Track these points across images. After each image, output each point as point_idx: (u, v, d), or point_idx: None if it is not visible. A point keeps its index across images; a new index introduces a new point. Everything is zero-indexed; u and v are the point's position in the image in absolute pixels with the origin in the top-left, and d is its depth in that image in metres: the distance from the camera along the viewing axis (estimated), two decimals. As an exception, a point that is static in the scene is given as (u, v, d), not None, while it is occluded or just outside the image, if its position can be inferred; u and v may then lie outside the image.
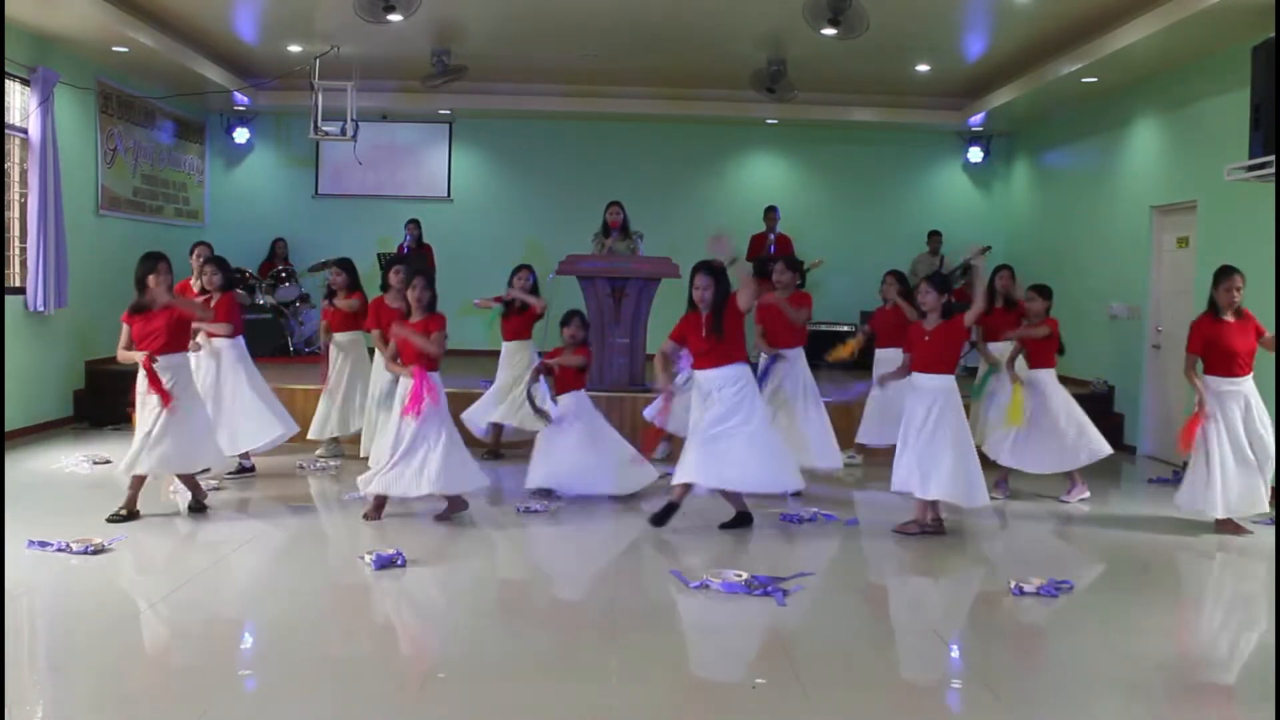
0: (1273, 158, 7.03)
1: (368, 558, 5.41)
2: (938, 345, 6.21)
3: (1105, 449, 7.29)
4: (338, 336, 8.10)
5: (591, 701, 3.94)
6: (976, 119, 12.09)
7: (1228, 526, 6.52)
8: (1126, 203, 10.07)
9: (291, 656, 4.29)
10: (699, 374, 6.21)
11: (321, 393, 8.14)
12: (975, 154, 13.09)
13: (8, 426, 7.52)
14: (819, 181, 13.19)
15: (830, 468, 7.46)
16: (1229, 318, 6.45)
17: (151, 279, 6.16)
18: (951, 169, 13.30)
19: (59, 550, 5.48)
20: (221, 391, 7.16)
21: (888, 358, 7.79)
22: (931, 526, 6.30)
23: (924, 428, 6.17)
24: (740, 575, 5.21)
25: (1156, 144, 9.58)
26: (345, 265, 8.16)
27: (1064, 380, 10.76)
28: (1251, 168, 7.31)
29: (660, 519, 6.21)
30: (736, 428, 6.04)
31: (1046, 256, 11.76)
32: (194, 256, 7.84)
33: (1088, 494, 7.44)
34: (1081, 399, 10.05)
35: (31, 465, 7.62)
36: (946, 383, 6.21)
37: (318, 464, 7.91)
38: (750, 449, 6.06)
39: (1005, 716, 3.84)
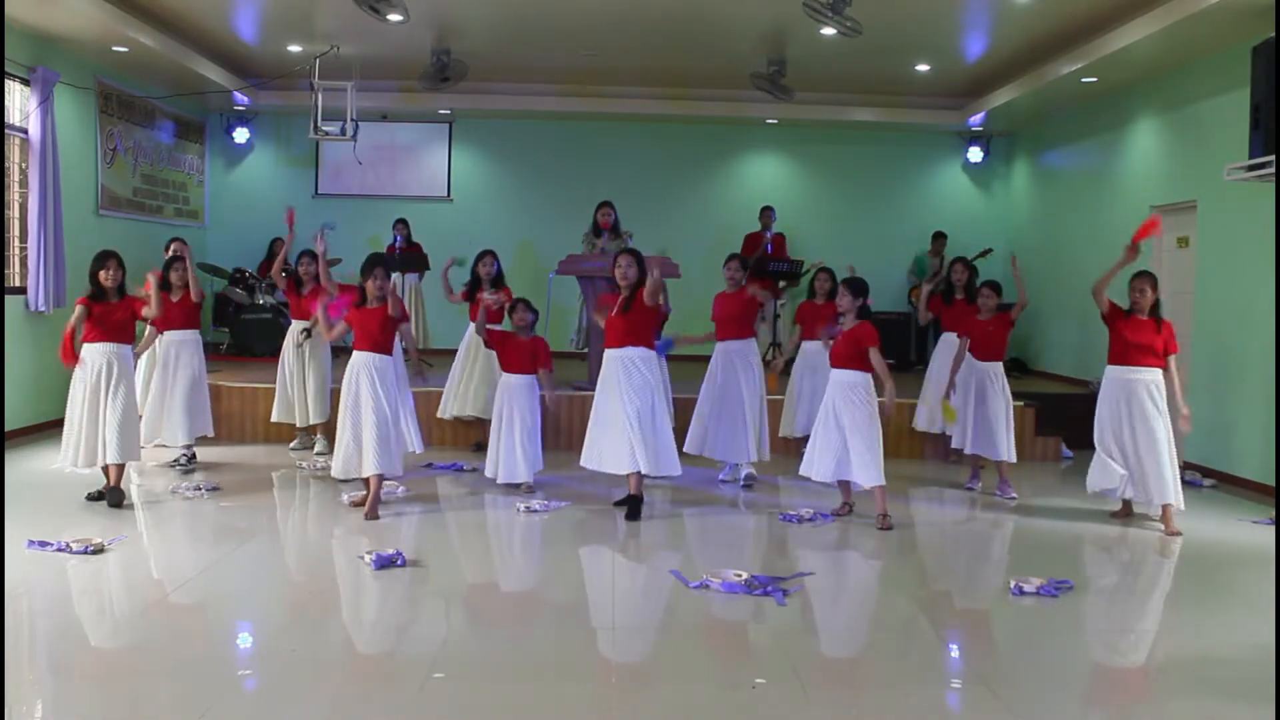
0: (1272, 158, 7.04)
1: (368, 558, 5.41)
2: (850, 345, 6.48)
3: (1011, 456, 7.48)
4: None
5: (590, 702, 3.94)
6: (976, 119, 12.09)
7: (1123, 512, 6.87)
8: (1126, 203, 10.07)
9: (291, 656, 4.29)
10: (608, 353, 6.58)
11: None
12: (975, 154, 13.10)
13: (8, 426, 7.52)
14: (819, 181, 13.20)
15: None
16: (1139, 315, 6.63)
17: (102, 274, 6.42)
18: (951, 169, 13.31)
19: (59, 550, 5.48)
20: (176, 380, 7.50)
21: (812, 349, 8.11)
22: (846, 510, 6.74)
23: (835, 419, 6.46)
24: (740, 575, 5.22)
25: (1156, 144, 9.58)
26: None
27: (1063, 380, 10.85)
28: (1251, 168, 7.31)
29: (634, 514, 6.50)
30: (655, 413, 6.51)
31: (1046, 256, 11.77)
32: (170, 250, 7.96)
33: (979, 486, 7.66)
34: (1081, 399, 10.14)
35: (31, 465, 7.62)
36: (858, 378, 6.44)
37: (320, 464, 7.91)
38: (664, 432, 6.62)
39: (1005, 716, 3.84)
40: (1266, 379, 7.66)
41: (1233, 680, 4.27)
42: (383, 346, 6.50)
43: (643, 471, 6.46)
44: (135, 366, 7.08)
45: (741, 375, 7.32)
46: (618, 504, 6.69)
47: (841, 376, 6.50)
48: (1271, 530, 6.72)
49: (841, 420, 6.43)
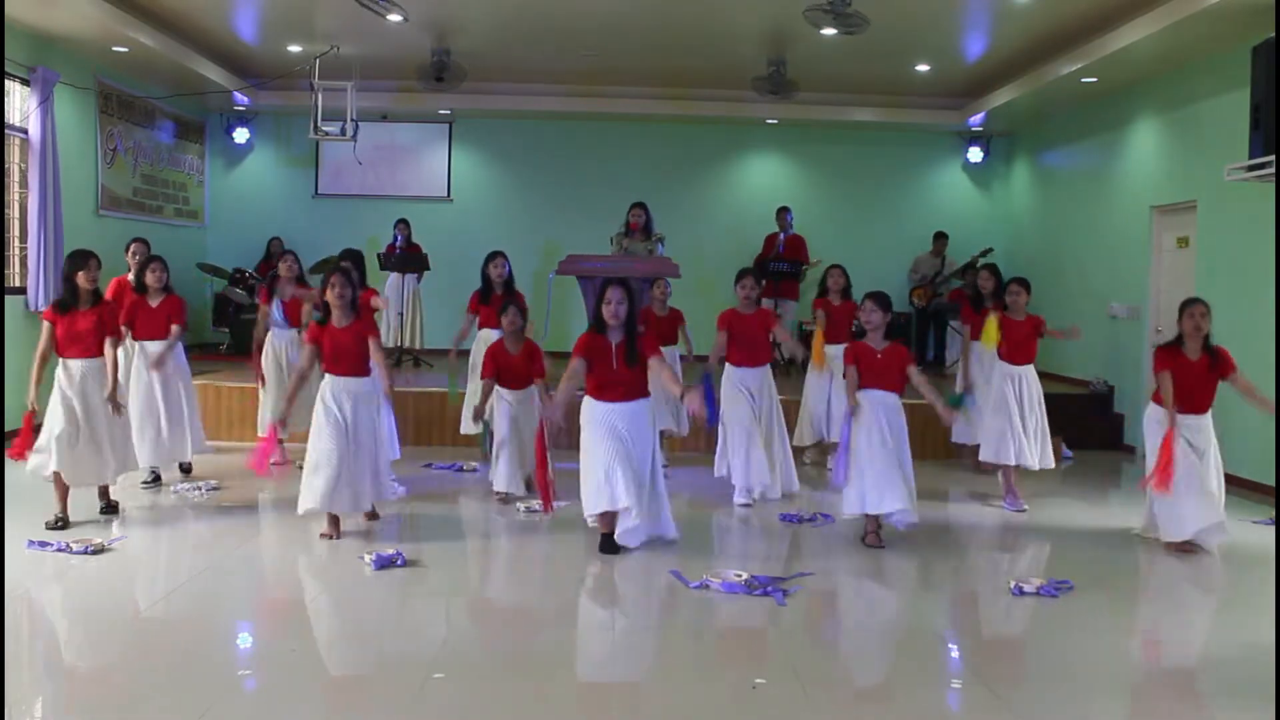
0: (1272, 158, 7.05)
1: (368, 558, 5.41)
2: (888, 365, 6.09)
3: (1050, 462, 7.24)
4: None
5: (590, 702, 3.94)
6: (976, 119, 12.10)
7: (1176, 545, 6.21)
8: (1126, 203, 10.07)
9: (291, 656, 4.29)
10: (603, 405, 5.71)
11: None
12: (975, 154, 13.10)
13: (8, 426, 7.51)
14: (819, 182, 13.20)
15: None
16: (1192, 354, 6.13)
17: (81, 275, 5.95)
18: (951, 169, 13.31)
19: (59, 550, 5.49)
20: (169, 396, 6.94)
21: (826, 353, 7.87)
22: (875, 539, 6.17)
23: (878, 444, 5.98)
24: (740, 575, 5.22)
25: (1156, 144, 9.58)
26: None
27: (1064, 380, 10.85)
28: (1251, 168, 7.32)
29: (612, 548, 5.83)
30: (655, 467, 5.85)
31: (1046, 256, 11.77)
32: (130, 254, 7.54)
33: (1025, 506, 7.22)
34: (1081, 399, 10.15)
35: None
36: (899, 400, 6.13)
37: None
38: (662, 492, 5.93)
39: (1005, 716, 3.84)
40: (1266, 379, 7.65)
41: (1233, 680, 4.27)
42: (362, 368, 5.90)
43: (640, 527, 5.75)
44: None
45: (770, 403, 6.94)
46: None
47: (888, 399, 6.07)
48: (1271, 530, 6.72)
49: (889, 445, 5.98)
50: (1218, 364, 6.13)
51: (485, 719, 3.74)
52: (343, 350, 5.86)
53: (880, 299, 6.20)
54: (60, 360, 6.07)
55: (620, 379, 5.70)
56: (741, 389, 6.93)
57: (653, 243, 9.23)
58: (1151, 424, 6.28)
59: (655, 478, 5.84)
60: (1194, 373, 6.12)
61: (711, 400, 6.78)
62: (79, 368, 6.01)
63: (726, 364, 7.02)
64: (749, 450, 6.85)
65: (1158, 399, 6.26)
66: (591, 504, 5.76)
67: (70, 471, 5.98)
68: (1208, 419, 6.23)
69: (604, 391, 5.74)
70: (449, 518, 6.74)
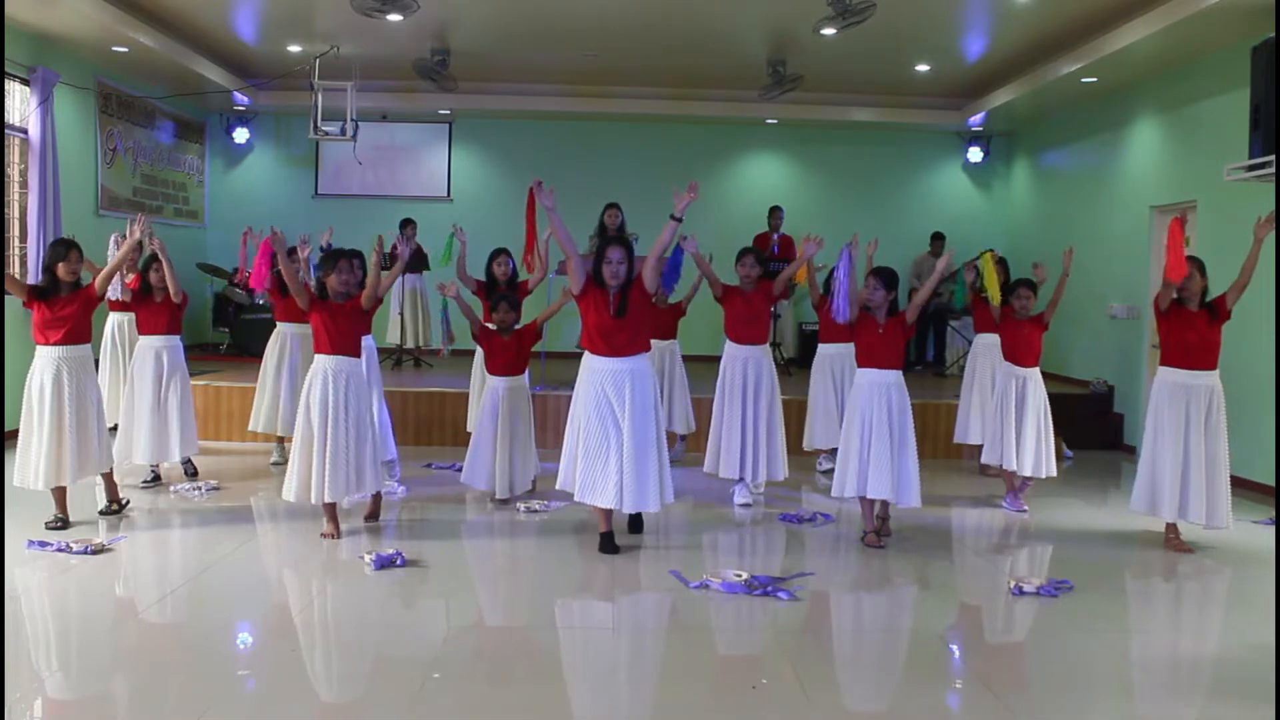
0: (1272, 158, 7.05)
1: (367, 558, 5.42)
2: (890, 339, 6.01)
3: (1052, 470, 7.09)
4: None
5: (590, 702, 3.94)
6: (976, 119, 12.11)
7: (1173, 543, 6.25)
8: (1126, 203, 10.08)
9: (291, 656, 4.29)
10: (598, 361, 5.69)
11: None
12: (975, 154, 13.12)
13: (7, 426, 7.50)
14: (819, 181, 13.21)
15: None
16: (1192, 306, 6.11)
17: (61, 267, 5.87)
18: (951, 169, 13.32)
19: (59, 550, 5.50)
20: (166, 394, 6.86)
21: (830, 353, 7.76)
22: (883, 528, 6.22)
23: (878, 425, 5.93)
24: (740, 575, 5.22)
25: (1156, 144, 9.58)
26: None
27: (1064, 380, 10.84)
28: (1251, 168, 7.32)
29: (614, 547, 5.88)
30: (655, 437, 5.70)
31: (1046, 257, 11.73)
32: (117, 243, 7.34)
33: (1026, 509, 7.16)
34: (1081, 399, 10.15)
35: (31, 465, 7.60)
36: (900, 377, 6.07)
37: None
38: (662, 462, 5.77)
39: (1005, 716, 3.84)
40: (1266, 379, 7.67)
41: (1232, 680, 4.27)
42: (354, 348, 5.91)
43: (648, 511, 5.83)
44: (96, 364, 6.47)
45: (765, 384, 6.79)
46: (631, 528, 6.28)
47: (889, 377, 5.98)
48: (1271, 530, 6.72)
49: (891, 428, 5.92)
50: (1217, 314, 6.10)
51: (485, 719, 3.74)
52: (337, 327, 5.83)
53: (885, 277, 6.06)
54: (37, 351, 5.98)
55: (614, 328, 5.64)
56: (739, 368, 6.81)
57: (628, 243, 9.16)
58: (1159, 387, 6.21)
59: (644, 441, 5.65)
60: (1195, 325, 6.09)
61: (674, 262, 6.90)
62: (58, 354, 5.90)
63: (726, 340, 6.93)
64: (742, 439, 6.77)
65: (1164, 361, 6.22)
66: (566, 478, 5.85)
67: (54, 475, 5.94)
68: (1214, 378, 6.13)
69: (599, 342, 5.68)
70: (449, 518, 6.74)
